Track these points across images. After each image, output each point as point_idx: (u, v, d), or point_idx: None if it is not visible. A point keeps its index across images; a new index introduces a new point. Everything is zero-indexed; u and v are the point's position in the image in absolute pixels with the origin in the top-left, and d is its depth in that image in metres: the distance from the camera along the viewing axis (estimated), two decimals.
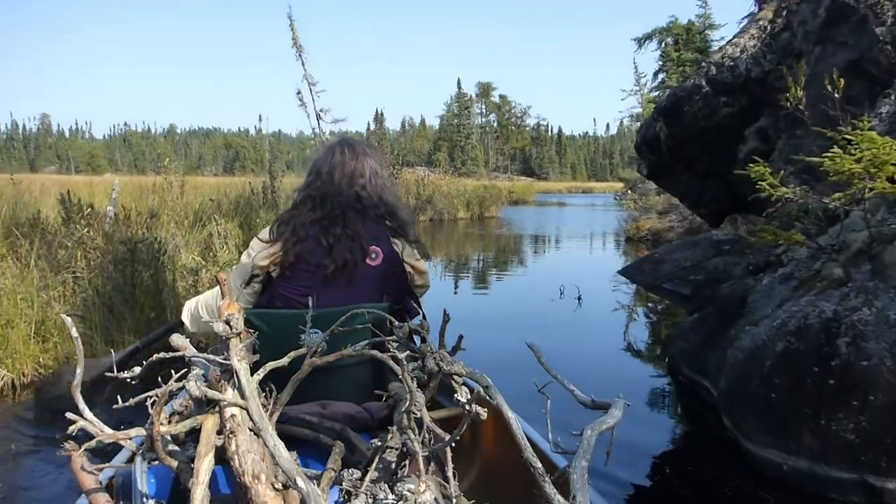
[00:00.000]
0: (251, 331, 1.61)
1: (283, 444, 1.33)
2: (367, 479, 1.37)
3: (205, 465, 1.34)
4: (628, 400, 1.59)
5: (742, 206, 7.63)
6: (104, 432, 1.41)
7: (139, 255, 5.45)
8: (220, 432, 1.41)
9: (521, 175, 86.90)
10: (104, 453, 1.79)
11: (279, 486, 1.30)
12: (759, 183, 4.23)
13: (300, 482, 1.23)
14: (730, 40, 7.52)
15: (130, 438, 1.44)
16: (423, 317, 2.24)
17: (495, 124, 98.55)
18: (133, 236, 5.83)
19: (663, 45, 46.89)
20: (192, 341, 1.67)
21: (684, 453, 3.97)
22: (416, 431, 1.44)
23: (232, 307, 1.49)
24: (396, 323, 1.63)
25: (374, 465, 1.42)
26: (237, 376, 1.45)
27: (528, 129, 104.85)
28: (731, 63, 7.04)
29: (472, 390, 1.43)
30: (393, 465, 1.44)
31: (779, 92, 6.25)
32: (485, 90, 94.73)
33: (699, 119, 7.24)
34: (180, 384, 1.41)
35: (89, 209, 7.04)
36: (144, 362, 1.48)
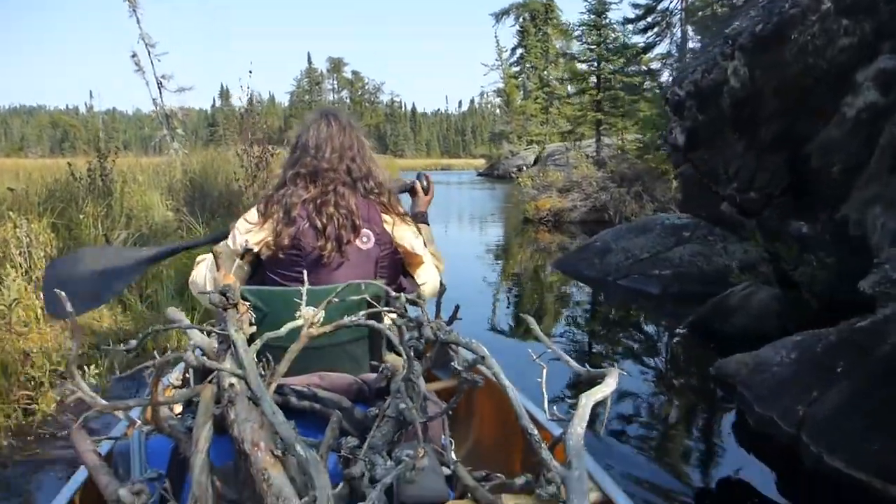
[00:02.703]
0: (247, 303, 1.60)
1: (281, 412, 1.35)
2: (366, 445, 1.41)
3: (204, 434, 1.35)
4: None
5: (803, 190, 5.54)
6: (101, 403, 1.37)
7: None
8: (217, 403, 1.41)
9: (376, 152, 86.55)
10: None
11: (278, 453, 1.32)
12: None
13: (299, 448, 1.24)
14: None
15: (128, 409, 1.41)
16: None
17: (348, 101, 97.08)
18: None
19: (521, 20, 48.10)
20: None
21: None
22: (414, 400, 1.49)
23: (227, 278, 1.48)
24: (393, 293, 1.66)
25: (371, 433, 1.46)
26: (234, 346, 1.46)
27: (381, 105, 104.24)
28: None
29: (467, 360, 1.50)
30: (389, 434, 1.47)
31: None
32: (336, 66, 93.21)
33: (808, 54, 4.90)
34: (177, 354, 1.40)
35: None
36: (140, 335, 1.44)
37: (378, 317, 1.60)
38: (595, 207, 14.24)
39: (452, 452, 1.48)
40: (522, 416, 1.43)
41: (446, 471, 1.49)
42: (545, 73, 44.51)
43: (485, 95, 48.49)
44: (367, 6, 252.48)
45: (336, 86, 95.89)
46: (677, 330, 6.00)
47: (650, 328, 6.52)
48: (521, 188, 17.20)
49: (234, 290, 1.54)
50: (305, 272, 1.71)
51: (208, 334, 1.59)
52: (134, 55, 13.61)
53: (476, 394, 2.50)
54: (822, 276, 5.14)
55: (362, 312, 1.56)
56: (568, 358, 1.60)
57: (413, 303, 1.65)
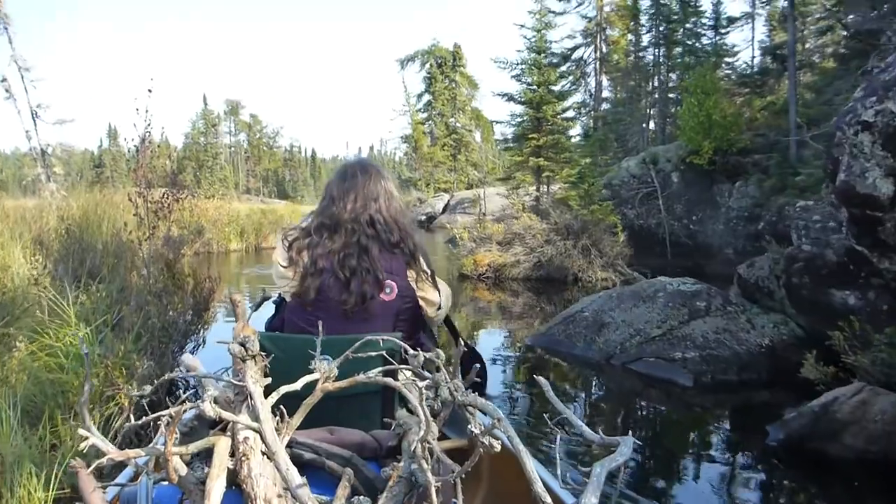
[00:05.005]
0: (263, 353, 1.59)
1: (295, 468, 1.34)
2: None
3: (217, 488, 1.34)
4: None
5: None
6: (113, 451, 1.35)
7: None
8: (231, 456, 1.40)
9: (276, 198, 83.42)
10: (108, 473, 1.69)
11: None
12: None
13: None
14: None
15: (142, 458, 1.39)
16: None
17: (245, 144, 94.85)
18: None
19: (429, 66, 48.27)
20: None
21: None
22: (428, 462, 1.47)
23: (247, 329, 1.47)
24: (411, 351, 1.65)
25: (385, 494, 1.44)
26: (251, 399, 1.45)
27: (280, 150, 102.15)
28: None
29: (482, 423, 1.49)
30: (401, 496, 1.44)
31: None
32: (234, 108, 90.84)
33: None
34: (194, 404, 1.39)
35: None
36: (155, 381, 1.43)
37: (394, 373, 1.59)
38: (540, 263, 13.11)
39: None
40: (535, 482, 1.42)
41: None
42: (452, 119, 45.23)
43: (384, 143, 48.59)
44: (266, 50, 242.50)
45: (234, 129, 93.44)
46: (757, 445, 4.39)
47: (706, 445, 4.71)
48: (459, 241, 15.52)
49: (253, 341, 1.54)
50: (321, 323, 1.69)
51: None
52: (3, 80, 11.80)
53: (487, 457, 2.48)
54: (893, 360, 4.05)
55: (379, 369, 1.56)
56: (581, 423, 1.60)
57: (430, 361, 1.64)
